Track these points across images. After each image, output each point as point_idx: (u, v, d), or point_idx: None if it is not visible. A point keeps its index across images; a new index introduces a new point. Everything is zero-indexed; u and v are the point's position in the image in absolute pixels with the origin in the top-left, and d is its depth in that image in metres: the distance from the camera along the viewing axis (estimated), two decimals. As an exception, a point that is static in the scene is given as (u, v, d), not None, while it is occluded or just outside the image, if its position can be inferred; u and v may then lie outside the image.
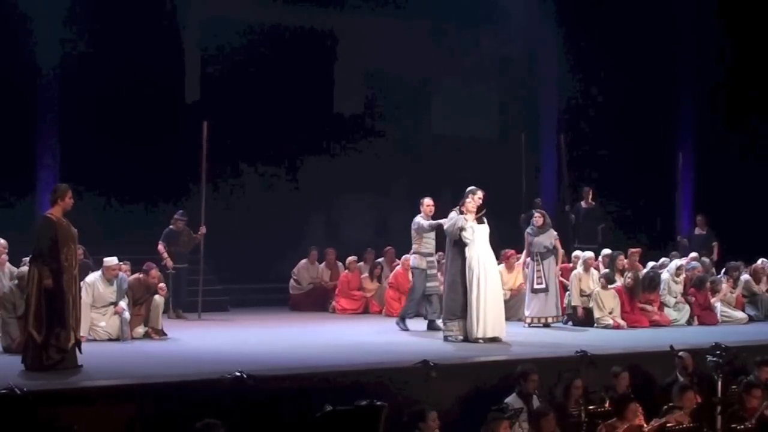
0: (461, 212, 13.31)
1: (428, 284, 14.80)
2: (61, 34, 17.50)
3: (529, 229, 15.57)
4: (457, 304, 13.19)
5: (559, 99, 22.54)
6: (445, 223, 13.54)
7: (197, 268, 16.32)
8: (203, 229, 16.07)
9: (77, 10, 17.37)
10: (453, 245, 13.36)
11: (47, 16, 17.12)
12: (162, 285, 13.91)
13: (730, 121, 21.58)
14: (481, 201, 13.39)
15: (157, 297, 13.63)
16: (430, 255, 14.88)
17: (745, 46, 21.25)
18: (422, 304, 14.96)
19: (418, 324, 14.82)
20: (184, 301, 16.28)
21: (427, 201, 14.79)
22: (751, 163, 20.33)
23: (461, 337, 13.11)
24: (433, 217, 14.60)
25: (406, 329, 14.58)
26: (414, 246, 14.87)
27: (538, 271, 15.10)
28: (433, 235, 14.74)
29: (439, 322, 14.21)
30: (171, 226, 16.37)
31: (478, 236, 13.23)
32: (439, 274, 15.27)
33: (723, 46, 21.39)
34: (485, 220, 13.41)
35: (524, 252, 15.80)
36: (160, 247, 16.17)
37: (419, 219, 14.76)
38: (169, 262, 16.02)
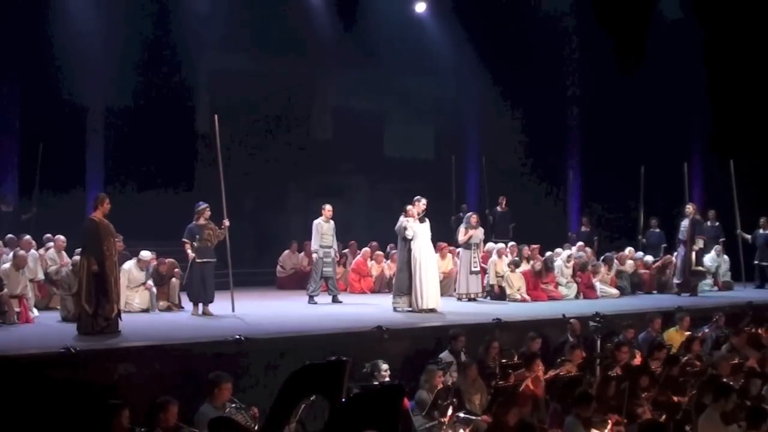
0: (407, 215, 13.37)
1: (324, 269, 14.71)
2: (109, 74, 17.51)
3: (465, 224, 15.24)
4: (404, 283, 13.25)
5: (481, 129, 22.63)
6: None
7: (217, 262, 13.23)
8: (226, 222, 12.80)
9: (121, 60, 17.46)
10: (401, 240, 13.44)
11: (100, 63, 17.30)
12: (177, 270, 13.72)
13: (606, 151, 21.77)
14: (424, 207, 13.46)
15: (173, 279, 13.64)
16: (328, 247, 14.75)
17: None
18: (324, 284, 14.81)
19: (325, 299, 14.78)
20: (210, 298, 12.75)
21: (328, 207, 14.80)
22: (620, 180, 20.48)
23: (407, 308, 13.16)
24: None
25: (315, 303, 14.43)
26: (315, 240, 14.76)
27: (474, 257, 15.00)
28: (331, 232, 14.73)
29: (341, 297, 14.70)
30: (194, 221, 12.76)
31: (420, 232, 13.27)
32: (390, 261, 15.20)
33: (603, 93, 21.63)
34: (427, 219, 13.47)
35: (461, 238, 15.06)
36: (184, 242, 12.84)
37: (320, 221, 14.75)
38: (190, 255, 12.65)
